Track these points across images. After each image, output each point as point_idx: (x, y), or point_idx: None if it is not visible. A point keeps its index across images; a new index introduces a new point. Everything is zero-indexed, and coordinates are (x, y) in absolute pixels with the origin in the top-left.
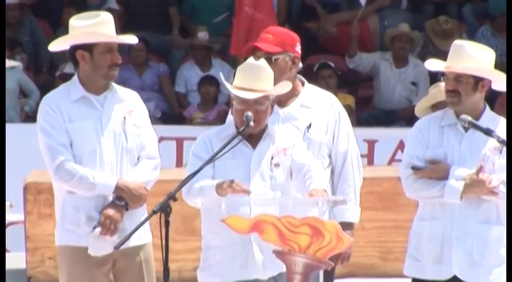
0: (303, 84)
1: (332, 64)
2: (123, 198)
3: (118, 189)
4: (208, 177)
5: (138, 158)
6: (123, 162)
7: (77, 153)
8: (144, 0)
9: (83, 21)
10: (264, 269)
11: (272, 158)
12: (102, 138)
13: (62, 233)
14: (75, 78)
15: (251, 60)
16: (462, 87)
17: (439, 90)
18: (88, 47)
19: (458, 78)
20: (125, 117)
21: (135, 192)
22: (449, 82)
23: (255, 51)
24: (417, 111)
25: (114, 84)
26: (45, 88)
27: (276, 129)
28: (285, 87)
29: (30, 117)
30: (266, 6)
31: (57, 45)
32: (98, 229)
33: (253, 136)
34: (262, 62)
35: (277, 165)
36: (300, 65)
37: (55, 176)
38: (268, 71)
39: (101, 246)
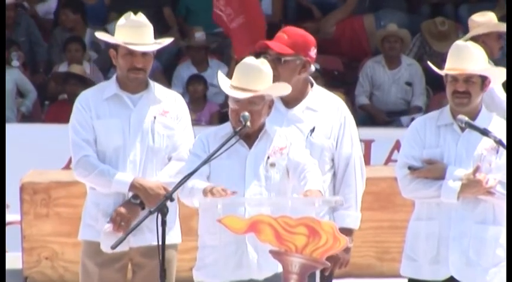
0: (311, 85)
1: (318, 66)
2: (139, 197)
3: (133, 187)
4: (204, 176)
5: (169, 159)
6: (148, 162)
7: (101, 150)
8: (138, 2)
9: (122, 20)
10: (259, 270)
11: (268, 157)
12: (127, 137)
13: (83, 228)
14: (114, 76)
15: (248, 59)
16: (472, 87)
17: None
18: (115, 47)
19: (469, 79)
20: (155, 117)
21: (151, 192)
22: (460, 83)
23: (267, 49)
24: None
25: (155, 85)
26: (41, 88)
27: (273, 129)
28: (279, 88)
29: (26, 117)
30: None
31: (101, 36)
32: (109, 225)
33: (250, 136)
34: (260, 62)
35: (272, 165)
36: (312, 68)
37: (74, 171)
38: (264, 72)
39: (112, 243)
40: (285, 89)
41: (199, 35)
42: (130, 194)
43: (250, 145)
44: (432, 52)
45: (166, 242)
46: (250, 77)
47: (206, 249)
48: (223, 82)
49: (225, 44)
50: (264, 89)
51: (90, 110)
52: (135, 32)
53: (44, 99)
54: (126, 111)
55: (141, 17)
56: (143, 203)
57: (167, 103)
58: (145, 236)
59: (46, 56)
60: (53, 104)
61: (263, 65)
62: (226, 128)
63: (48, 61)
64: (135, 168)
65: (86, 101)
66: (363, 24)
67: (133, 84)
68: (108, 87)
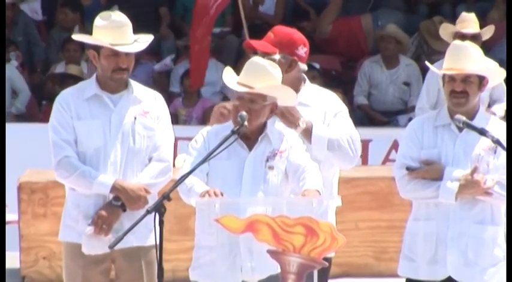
0: (304, 82)
1: (317, 66)
2: (121, 199)
3: (114, 189)
4: (204, 172)
5: (150, 160)
6: (128, 163)
7: (82, 151)
8: (135, 1)
9: (101, 21)
10: (252, 272)
11: (267, 160)
12: (108, 138)
13: (63, 229)
14: (93, 76)
15: (257, 58)
16: (470, 87)
17: (463, 20)
18: (96, 48)
19: (467, 79)
20: (135, 118)
21: (132, 194)
22: (457, 83)
23: (255, 49)
24: (442, 33)
25: (135, 84)
26: (39, 88)
27: (274, 131)
28: (281, 91)
29: (21, 116)
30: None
31: (80, 38)
32: (90, 228)
33: (250, 137)
34: (269, 63)
35: (271, 168)
36: (302, 67)
37: (55, 172)
38: (270, 73)
39: (94, 245)
40: (287, 92)
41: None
42: (111, 195)
43: (250, 147)
44: (430, 51)
45: (149, 244)
46: (253, 75)
47: (201, 249)
48: (229, 77)
49: (223, 44)
50: (261, 87)
51: (70, 110)
52: (118, 33)
53: (41, 99)
54: (106, 111)
55: (121, 17)
56: (124, 205)
57: (147, 103)
58: (127, 238)
59: (44, 56)
60: (48, 104)
61: (271, 66)
62: (230, 128)
63: (45, 61)
64: (116, 170)
65: (66, 101)
66: (360, 23)
67: (114, 84)
68: (88, 87)
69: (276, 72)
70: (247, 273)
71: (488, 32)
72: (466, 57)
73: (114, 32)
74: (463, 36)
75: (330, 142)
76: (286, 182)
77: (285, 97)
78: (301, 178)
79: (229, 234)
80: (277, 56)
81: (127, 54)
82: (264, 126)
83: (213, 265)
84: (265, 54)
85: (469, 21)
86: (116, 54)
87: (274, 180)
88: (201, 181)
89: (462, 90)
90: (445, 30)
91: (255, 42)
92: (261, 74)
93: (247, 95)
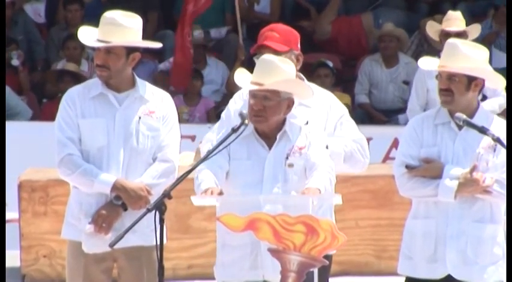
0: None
1: (331, 64)
2: (122, 198)
3: (115, 188)
4: (223, 170)
5: (154, 160)
6: (132, 163)
7: (85, 149)
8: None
9: (104, 17)
10: (273, 271)
11: (287, 157)
12: (112, 137)
13: (66, 227)
14: None
15: (266, 55)
16: (455, 86)
17: (448, 19)
18: None
19: (452, 77)
20: (140, 117)
21: (133, 194)
22: (443, 81)
23: (262, 50)
24: (429, 31)
25: (142, 83)
26: (39, 86)
27: (294, 127)
28: (291, 84)
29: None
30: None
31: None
32: (90, 226)
33: (269, 136)
34: (280, 59)
35: (291, 165)
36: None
37: (58, 170)
38: (280, 68)
39: (94, 244)
40: (300, 86)
41: (197, 33)
42: (113, 194)
43: (270, 146)
44: (431, 50)
45: (150, 243)
46: (264, 72)
47: (224, 248)
48: (242, 78)
49: (223, 43)
50: (271, 83)
51: (75, 108)
52: (102, 29)
53: (42, 97)
54: (111, 110)
55: (117, 15)
56: (125, 204)
57: (153, 103)
58: (128, 237)
59: (44, 54)
60: (48, 102)
61: (281, 62)
62: (249, 128)
63: (46, 59)
64: (119, 169)
65: (72, 99)
66: (361, 22)
67: (119, 83)
68: (95, 85)
69: (287, 67)
70: (268, 272)
71: (474, 31)
72: (454, 55)
73: (101, 29)
74: (447, 34)
75: (344, 155)
76: (305, 179)
77: (298, 91)
78: (309, 176)
79: (250, 233)
80: (287, 55)
81: (107, 52)
82: (283, 123)
83: (235, 264)
84: (279, 53)
85: (454, 20)
86: (96, 50)
87: (294, 179)
88: (212, 177)
89: (446, 88)
90: (432, 28)
91: (270, 43)
92: (270, 70)
93: (260, 92)
